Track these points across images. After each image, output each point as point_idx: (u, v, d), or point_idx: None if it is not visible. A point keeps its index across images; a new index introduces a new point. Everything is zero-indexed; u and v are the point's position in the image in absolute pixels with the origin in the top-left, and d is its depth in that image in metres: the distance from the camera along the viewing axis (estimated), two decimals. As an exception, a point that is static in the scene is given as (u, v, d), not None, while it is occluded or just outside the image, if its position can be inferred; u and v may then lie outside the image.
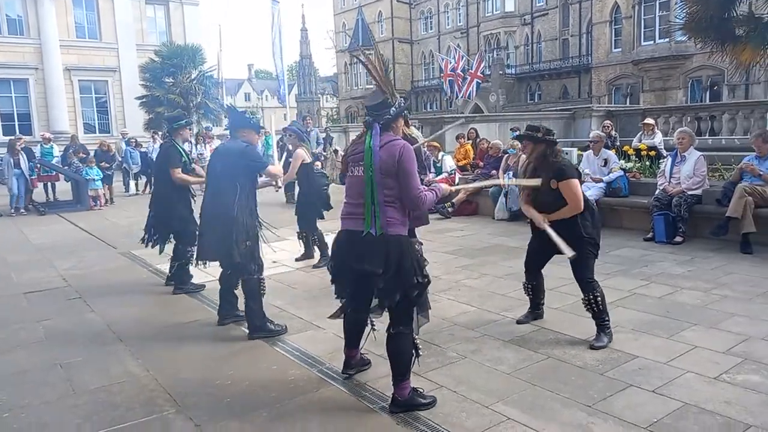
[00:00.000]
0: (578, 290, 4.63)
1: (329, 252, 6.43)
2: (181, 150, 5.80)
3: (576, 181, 3.95)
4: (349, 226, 3.10)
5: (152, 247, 5.94)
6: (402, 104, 3.14)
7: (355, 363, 3.51)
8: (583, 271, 4.01)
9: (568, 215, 3.96)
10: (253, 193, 4.43)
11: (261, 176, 4.73)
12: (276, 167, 4.92)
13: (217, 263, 4.57)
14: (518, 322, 4.37)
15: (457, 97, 30.22)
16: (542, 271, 4.43)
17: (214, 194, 4.34)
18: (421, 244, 5.32)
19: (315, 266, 6.51)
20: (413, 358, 3.13)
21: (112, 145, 16.03)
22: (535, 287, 4.40)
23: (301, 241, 6.87)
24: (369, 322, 3.42)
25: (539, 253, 4.30)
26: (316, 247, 6.71)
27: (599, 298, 3.96)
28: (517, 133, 11.99)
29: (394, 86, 3.24)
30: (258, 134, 4.78)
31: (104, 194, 13.39)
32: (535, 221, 4.12)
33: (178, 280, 5.72)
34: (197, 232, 4.66)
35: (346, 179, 3.23)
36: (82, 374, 3.79)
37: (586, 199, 4.13)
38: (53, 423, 3.16)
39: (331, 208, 6.67)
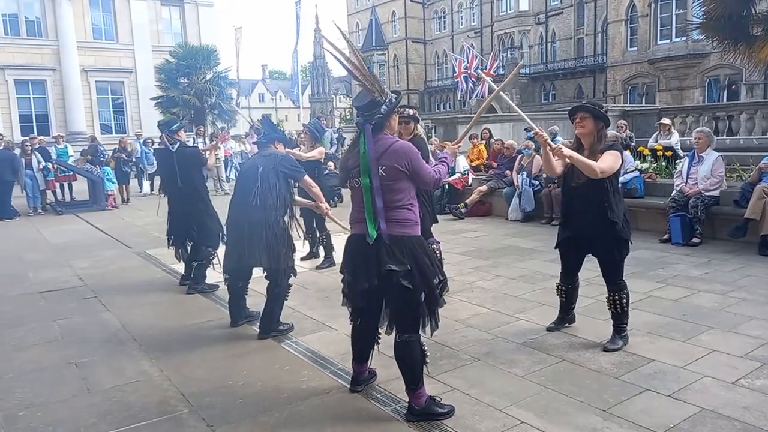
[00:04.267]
0: (595, 292, 4.61)
1: (334, 255, 6.47)
2: None
3: (618, 156, 3.76)
4: (359, 231, 3.05)
5: (170, 247, 5.99)
6: (393, 100, 3.02)
7: (363, 379, 3.40)
8: (614, 272, 3.91)
9: (582, 165, 3.64)
10: (289, 203, 4.43)
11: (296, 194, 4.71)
12: (315, 185, 4.72)
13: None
14: (548, 329, 4.27)
15: (471, 96, 30.09)
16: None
17: (257, 197, 4.23)
18: (439, 243, 5.33)
19: (318, 267, 6.50)
20: (423, 364, 3.05)
21: (131, 142, 16.20)
22: (569, 290, 4.22)
23: (306, 241, 6.89)
24: (378, 335, 3.31)
25: (574, 253, 4.11)
26: (321, 248, 6.71)
27: (624, 300, 3.89)
28: (530, 136, 11.93)
29: (380, 82, 3.11)
30: (287, 148, 4.81)
31: (114, 195, 13.44)
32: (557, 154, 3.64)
33: (195, 279, 5.75)
34: (226, 242, 4.55)
35: (350, 188, 3.14)
36: (97, 373, 3.83)
37: (622, 200, 3.97)
38: (68, 421, 3.18)
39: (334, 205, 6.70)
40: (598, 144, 3.79)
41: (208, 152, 6.31)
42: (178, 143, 5.78)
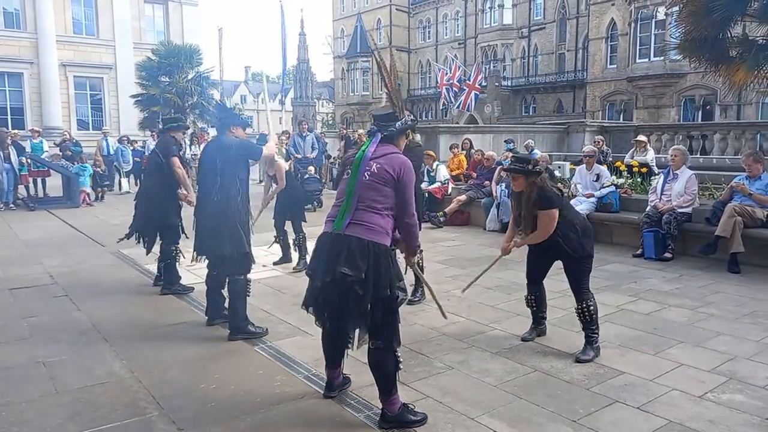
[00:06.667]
0: (568, 304, 4.67)
1: (308, 257, 6.47)
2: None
3: (554, 212, 3.95)
4: (329, 228, 3.06)
5: (139, 243, 5.90)
6: (408, 122, 3.20)
7: (337, 385, 3.39)
8: (577, 281, 4.04)
9: (535, 241, 4.07)
10: (247, 187, 4.53)
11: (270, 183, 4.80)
12: (269, 147, 4.83)
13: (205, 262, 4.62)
14: (523, 339, 4.32)
15: (452, 106, 30.31)
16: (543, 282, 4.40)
17: (217, 190, 4.31)
18: (421, 251, 5.34)
19: (295, 269, 6.53)
20: (396, 371, 3.04)
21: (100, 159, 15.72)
22: (537, 299, 4.35)
23: (278, 245, 6.87)
24: (349, 338, 3.25)
25: (540, 263, 4.27)
26: (296, 250, 6.70)
27: (591, 308, 3.98)
28: (509, 147, 12.08)
29: (404, 102, 3.26)
30: (245, 130, 4.87)
31: (87, 192, 13.24)
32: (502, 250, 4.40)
33: (167, 280, 5.68)
34: (195, 230, 4.56)
35: (340, 182, 3.20)
36: (66, 373, 3.76)
37: (574, 216, 4.13)
38: (34, 422, 3.12)
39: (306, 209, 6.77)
40: (528, 202, 3.99)
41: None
42: (161, 137, 5.83)
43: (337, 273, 2.91)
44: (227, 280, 4.49)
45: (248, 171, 4.62)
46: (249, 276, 4.49)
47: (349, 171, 3.07)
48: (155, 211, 5.65)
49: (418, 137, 5.22)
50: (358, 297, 2.93)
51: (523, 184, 4.01)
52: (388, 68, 3.17)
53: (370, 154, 3.02)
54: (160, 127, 6.11)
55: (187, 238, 5.79)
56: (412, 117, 3.27)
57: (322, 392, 3.40)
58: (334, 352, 3.31)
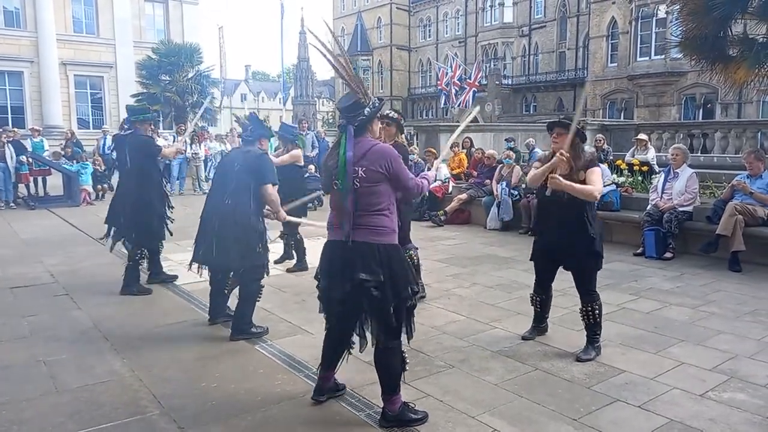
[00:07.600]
0: (569, 302, 4.67)
1: (306, 258, 6.44)
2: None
3: (600, 172, 3.95)
4: (336, 236, 3.03)
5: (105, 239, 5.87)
6: (377, 104, 3.03)
7: (327, 389, 3.31)
8: (587, 283, 3.99)
9: (581, 193, 3.77)
10: (259, 198, 4.36)
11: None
12: (275, 194, 4.43)
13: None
14: (523, 338, 4.31)
15: (452, 106, 30.30)
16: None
17: (229, 194, 4.20)
18: (417, 249, 5.35)
19: (289, 270, 6.49)
20: (402, 371, 3.05)
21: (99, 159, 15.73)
22: (544, 301, 4.30)
23: (281, 240, 6.85)
24: (352, 342, 3.24)
25: (549, 264, 4.18)
26: (294, 251, 6.69)
27: (597, 311, 3.96)
28: (510, 146, 12.07)
29: (366, 86, 3.13)
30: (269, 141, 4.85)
31: (87, 190, 13.25)
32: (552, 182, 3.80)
33: (126, 281, 5.58)
34: (198, 237, 4.43)
35: (331, 190, 3.09)
36: (66, 372, 3.75)
37: (596, 215, 4.07)
38: (35, 420, 3.12)
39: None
40: (578, 161, 3.88)
41: (176, 142, 6.16)
42: (134, 131, 5.63)
43: (355, 280, 2.90)
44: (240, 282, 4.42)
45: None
46: (262, 282, 4.43)
47: (336, 182, 2.97)
48: (144, 213, 5.58)
49: (402, 139, 5.11)
50: (379, 300, 2.92)
51: (567, 142, 3.81)
52: (342, 62, 3.01)
53: (351, 159, 2.89)
54: (127, 119, 5.75)
55: (171, 235, 5.88)
56: (378, 98, 3.13)
57: (312, 396, 3.30)
58: (334, 354, 3.28)
